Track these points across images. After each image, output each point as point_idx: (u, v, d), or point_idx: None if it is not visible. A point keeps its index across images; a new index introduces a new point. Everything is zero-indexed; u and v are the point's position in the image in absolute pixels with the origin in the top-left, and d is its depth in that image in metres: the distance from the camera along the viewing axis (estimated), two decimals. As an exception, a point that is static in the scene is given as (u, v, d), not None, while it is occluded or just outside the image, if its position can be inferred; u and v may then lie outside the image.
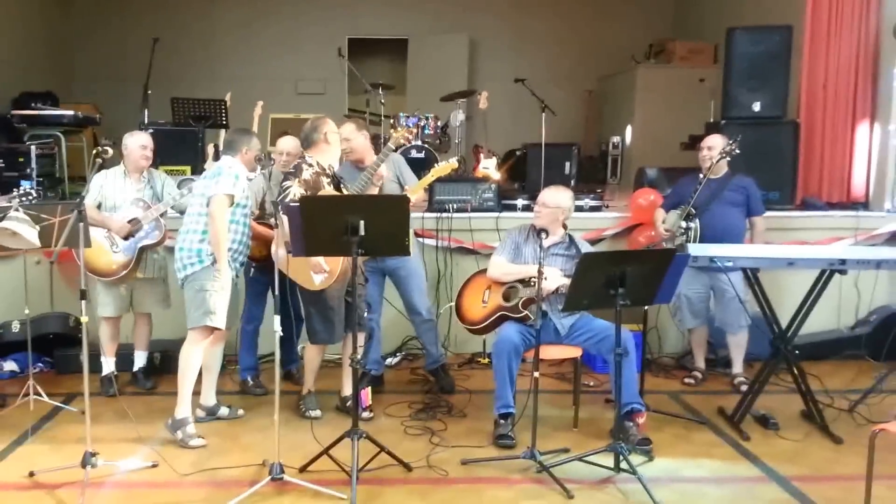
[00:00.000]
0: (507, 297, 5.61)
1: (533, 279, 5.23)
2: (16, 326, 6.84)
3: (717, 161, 6.27)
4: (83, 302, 4.60)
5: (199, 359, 5.41)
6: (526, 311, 5.46)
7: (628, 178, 9.74)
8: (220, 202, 5.25)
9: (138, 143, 6.18)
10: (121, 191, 6.17)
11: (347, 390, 5.77)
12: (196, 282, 5.34)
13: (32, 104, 9.49)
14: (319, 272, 5.38)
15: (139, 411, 5.69)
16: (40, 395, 5.88)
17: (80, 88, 12.56)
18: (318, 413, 5.76)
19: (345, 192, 5.61)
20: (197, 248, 5.34)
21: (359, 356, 4.80)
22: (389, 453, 4.89)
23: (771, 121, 7.75)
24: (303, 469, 4.78)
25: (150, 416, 5.67)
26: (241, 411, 5.84)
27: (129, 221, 6.07)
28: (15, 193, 5.34)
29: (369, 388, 5.87)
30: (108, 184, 6.17)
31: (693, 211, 6.18)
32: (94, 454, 4.60)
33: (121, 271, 6.09)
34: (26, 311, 6.07)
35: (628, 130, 11.67)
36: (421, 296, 6.35)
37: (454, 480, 4.80)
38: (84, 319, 4.62)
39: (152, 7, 13.08)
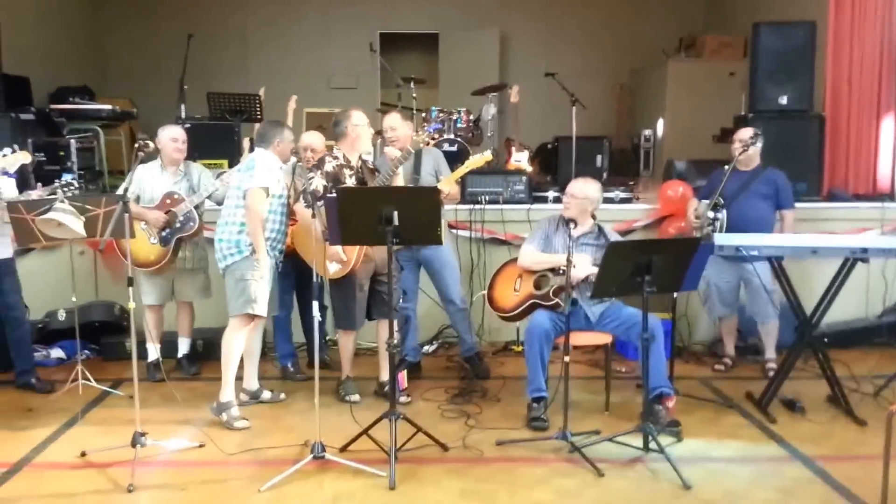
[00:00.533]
0: (537, 286, 5.71)
1: (563, 268, 5.31)
2: (62, 315, 7.01)
3: (740, 153, 6.34)
4: (130, 289, 4.75)
5: (241, 345, 5.55)
6: (557, 299, 5.54)
7: (660, 170, 9.81)
8: (257, 195, 5.39)
9: (169, 136, 6.27)
10: (158, 184, 6.29)
11: (385, 376, 5.92)
12: (236, 271, 5.48)
13: (70, 98, 9.65)
14: (336, 260, 5.51)
15: (184, 395, 5.86)
16: (88, 381, 6.08)
17: (115, 83, 12.64)
18: (356, 397, 5.89)
19: (375, 181, 5.75)
20: (236, 239, 5.49)
21: (395, 341, 4.93)
22: (427, 434, 5.01)
23: (797, 114, 7.80)
24: (343, 449, 4.92)
25: (195, 400, 5.85)
26: (282, 395, 6.00)
27: (166, 213, 6.19)
28: (56, 184, 5.52)
29: (406, 371, 5.98)
30: (146, 177, 6.29)
31: (721, 201, 6.27)
32: (143, 434, 4.75)
33: (157, 263, 6.22)
34: (73, 300, 6.26)
35: (660, 124, 11.71)
36: (455, 285, 6.46)
37: (489, 460, 4.92)
38: (131, 306, 4.78)
39: (185, 2, 13.23)
